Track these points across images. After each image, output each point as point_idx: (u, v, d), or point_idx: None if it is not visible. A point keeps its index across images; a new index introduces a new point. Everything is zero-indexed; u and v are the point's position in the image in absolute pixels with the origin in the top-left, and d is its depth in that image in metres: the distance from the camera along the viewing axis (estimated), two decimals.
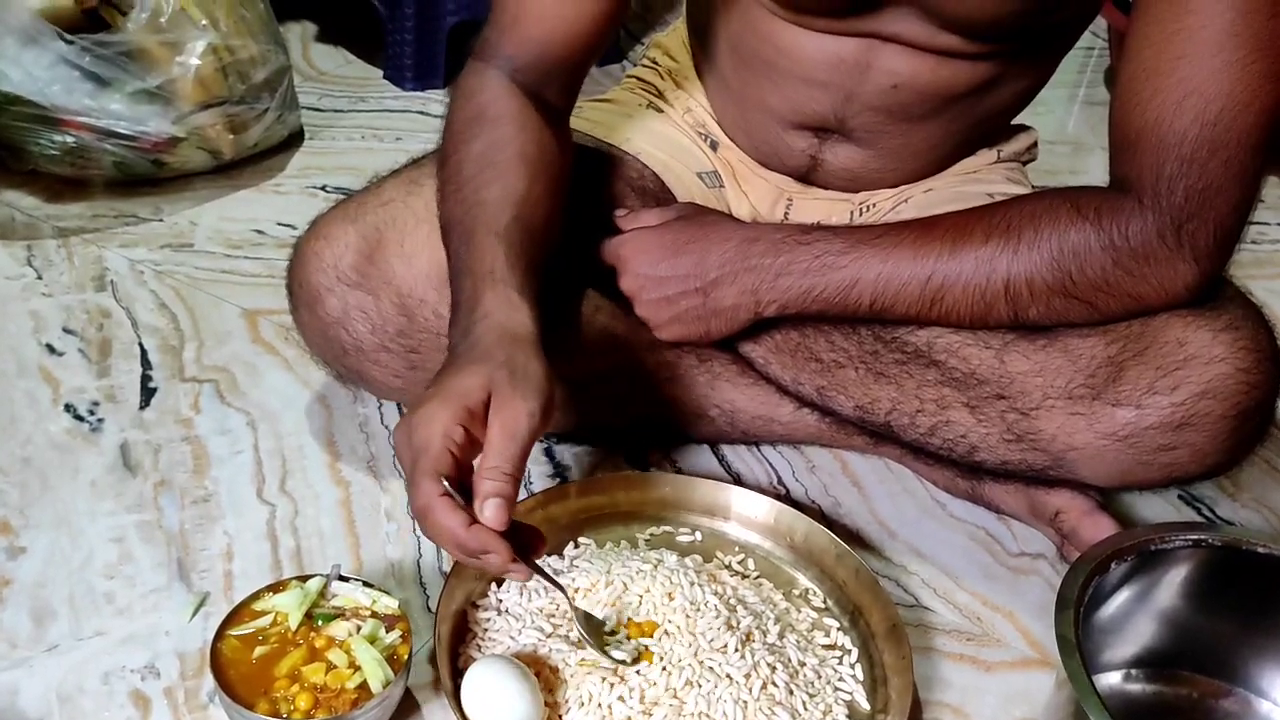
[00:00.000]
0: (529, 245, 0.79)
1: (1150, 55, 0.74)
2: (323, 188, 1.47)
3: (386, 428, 1.04)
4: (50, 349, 1.11)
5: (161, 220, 1.36)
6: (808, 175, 1.02)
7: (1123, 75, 0.77)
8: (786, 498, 1.01)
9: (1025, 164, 1.08)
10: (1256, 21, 0.71)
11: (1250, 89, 0.72)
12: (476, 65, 0.90)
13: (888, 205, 1.02)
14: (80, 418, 1.02)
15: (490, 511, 0.65)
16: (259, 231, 1.35)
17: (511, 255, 0.77)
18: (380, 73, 1.84)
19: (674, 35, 1.11)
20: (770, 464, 1.05)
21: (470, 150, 0.84)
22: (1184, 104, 0.73)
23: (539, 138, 0.86)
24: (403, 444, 0.68)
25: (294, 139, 1.57)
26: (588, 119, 1.05)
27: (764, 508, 0.92)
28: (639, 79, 1.11)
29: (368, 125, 1.68)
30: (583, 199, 0.94)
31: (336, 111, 1.71)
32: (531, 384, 0.68)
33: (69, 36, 1.28)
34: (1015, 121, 1.04)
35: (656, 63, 1.11)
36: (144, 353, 1.12)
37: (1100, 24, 1.75)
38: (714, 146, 1.05)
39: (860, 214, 1.03)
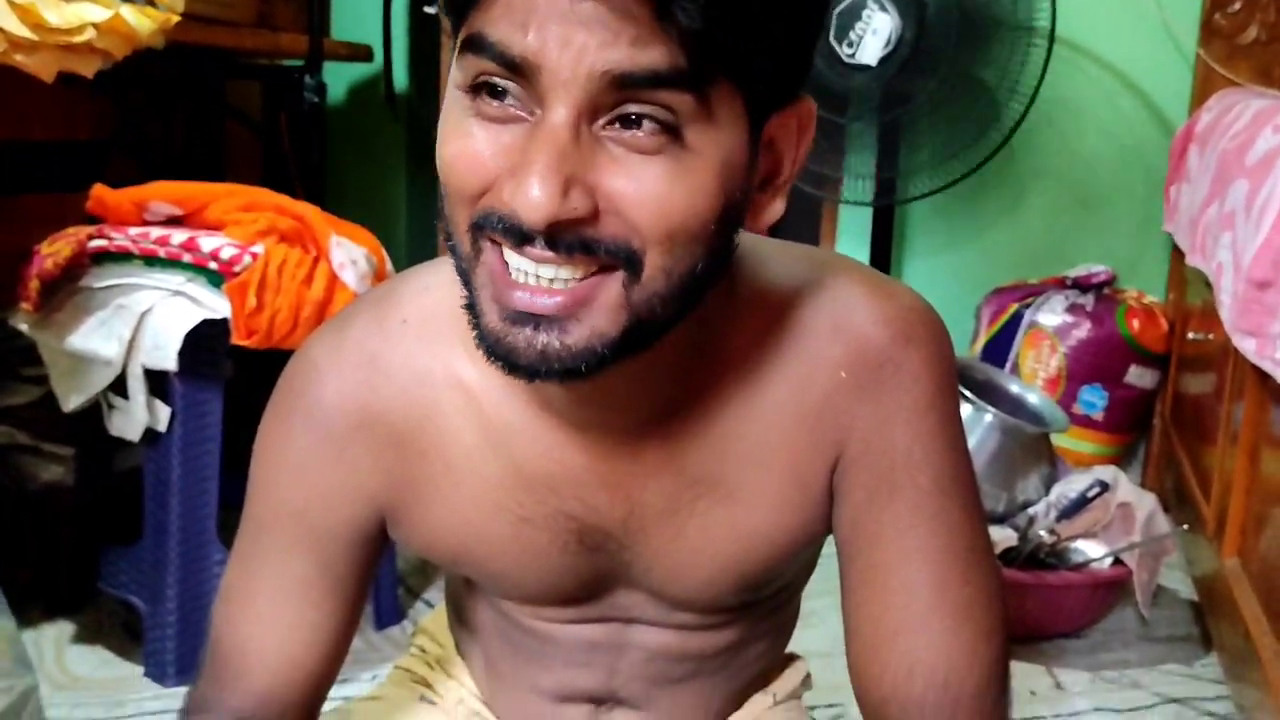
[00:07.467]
0: None
1: (870, 632, 0.80)
2: None
3: None
4: None
5: None
6: None
7: (852, 649, 0.82)
8: None
9: (799, 698, 1.10)
10: (952, 593, 0.78)
11: (966, 652, 0.78)
12: None
13: None
14: None
15: None
16: None
17: None
18: (141, 669, 1.75)
19: (438, 619, 1.11)
20: None
21: None
22: (913, 672, 0.78)
23: None
24: None
25: None
26: None
27: None
28: (407, 670, 1.09)
29: None
30: None
31: None
32: None
33: None
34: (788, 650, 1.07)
35: (424, 649, 1.10)
36: None
37: None
38: None
39: None
